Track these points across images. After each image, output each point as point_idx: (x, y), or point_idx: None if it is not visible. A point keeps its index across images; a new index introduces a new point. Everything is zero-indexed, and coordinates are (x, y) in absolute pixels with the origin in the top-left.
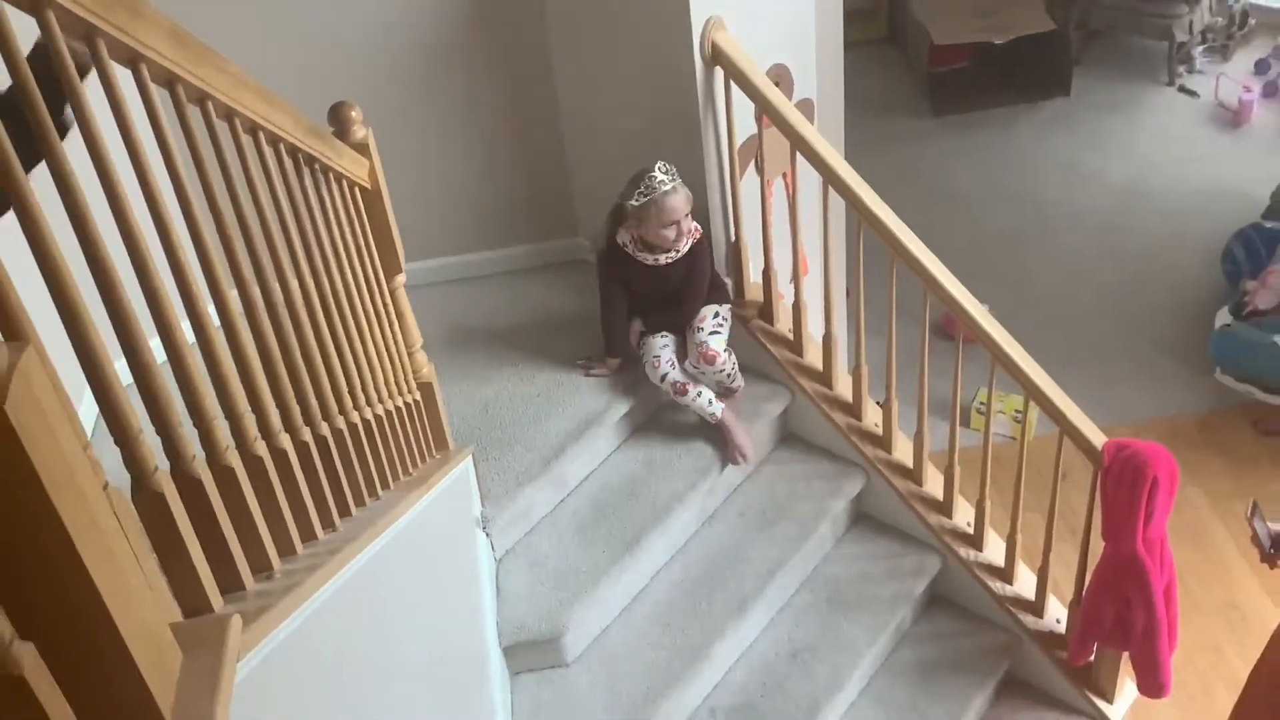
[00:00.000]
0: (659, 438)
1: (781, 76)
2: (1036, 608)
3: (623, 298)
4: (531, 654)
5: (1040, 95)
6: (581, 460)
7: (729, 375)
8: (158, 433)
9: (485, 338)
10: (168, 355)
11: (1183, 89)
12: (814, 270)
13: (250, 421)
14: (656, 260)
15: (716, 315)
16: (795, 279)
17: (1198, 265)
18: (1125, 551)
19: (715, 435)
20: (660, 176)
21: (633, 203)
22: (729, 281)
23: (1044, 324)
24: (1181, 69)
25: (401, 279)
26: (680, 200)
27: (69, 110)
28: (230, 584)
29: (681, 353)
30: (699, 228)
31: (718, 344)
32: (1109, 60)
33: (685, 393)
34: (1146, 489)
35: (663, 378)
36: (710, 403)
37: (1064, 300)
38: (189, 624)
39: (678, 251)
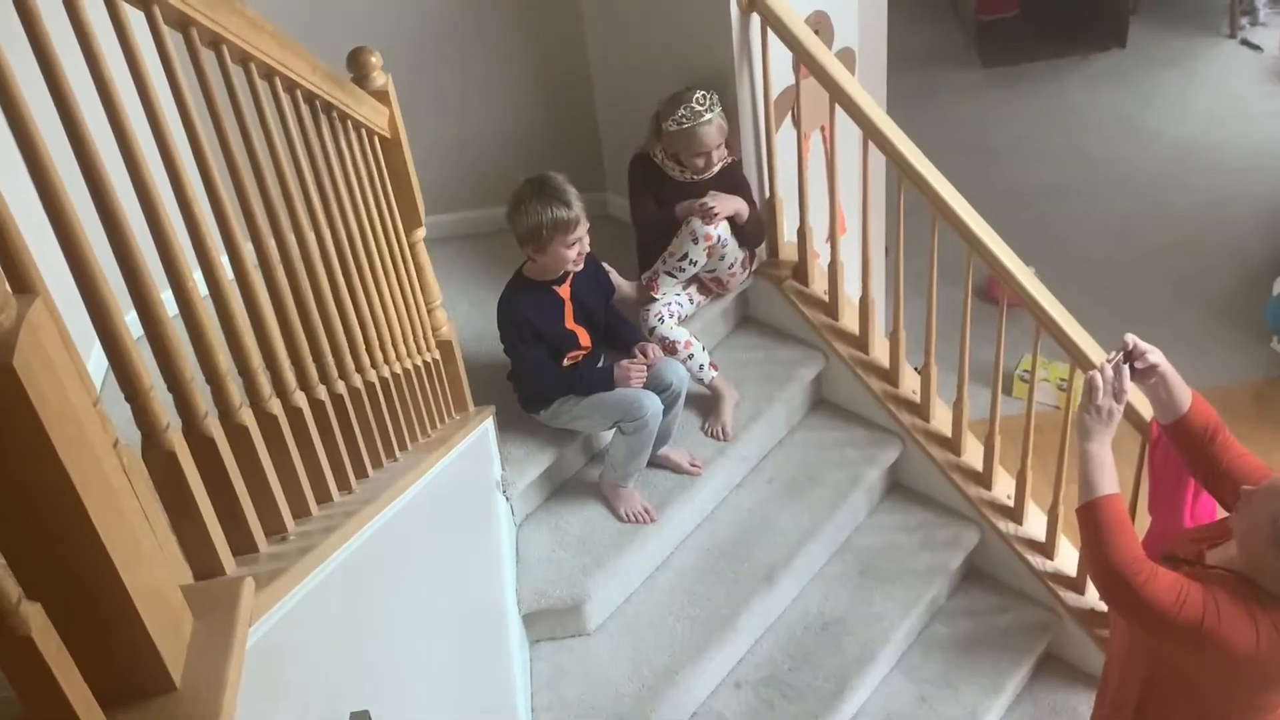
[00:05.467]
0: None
1: (821, 24)
2: (1078, 584)
3: (653, 206)
4: (552, 622)
5: (1094, 47)
6: None
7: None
8: (169, 389)
9: None
10: (180, 309)
11: (1245, 42)
12: (852, 229)
13: (264, 378)
14: (684, 177)
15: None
16: (832, 238)
17: (1256, 228)
18: (1173, 527)
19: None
20: (697, 107)
21: (669, 127)
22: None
23: (1092, 288)
24: (1244, 20)
25: (421, 232)
26: (715, 133)
27: None
28: (243, 546)
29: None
30: (730, 154)
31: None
32: (1167, 10)
33: (674, 351)
34: None
35: (651, 330)
36: (701, 368)
37: (1113, 263)
38: (200, 586)
39: (709, 173)
